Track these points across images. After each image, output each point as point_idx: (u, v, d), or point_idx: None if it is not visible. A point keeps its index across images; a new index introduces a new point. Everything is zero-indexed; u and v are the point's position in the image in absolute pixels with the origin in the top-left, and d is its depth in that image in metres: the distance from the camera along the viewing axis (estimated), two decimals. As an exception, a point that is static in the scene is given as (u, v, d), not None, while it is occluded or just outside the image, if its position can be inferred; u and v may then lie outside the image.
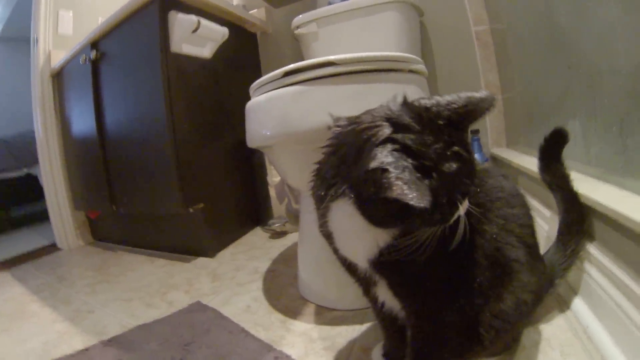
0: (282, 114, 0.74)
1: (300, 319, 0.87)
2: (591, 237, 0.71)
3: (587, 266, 0.70)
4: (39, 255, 1.86)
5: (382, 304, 0.57)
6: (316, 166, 0.52)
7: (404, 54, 0.76)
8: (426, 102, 0.43)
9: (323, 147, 0.50)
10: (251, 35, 1.89)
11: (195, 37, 1.36)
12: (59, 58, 1.84)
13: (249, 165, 1.72)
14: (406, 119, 0.41)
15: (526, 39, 1.19)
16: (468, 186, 0.43)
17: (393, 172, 0.36)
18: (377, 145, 0.39)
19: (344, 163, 0.45)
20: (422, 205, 0.35)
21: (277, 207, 1.68)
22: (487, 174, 0.58)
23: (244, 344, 0.79)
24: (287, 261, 1.26)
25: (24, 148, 2.56)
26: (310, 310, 0.90)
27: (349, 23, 1.42)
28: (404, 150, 0.39)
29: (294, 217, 1.61)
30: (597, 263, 0.66)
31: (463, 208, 0.44)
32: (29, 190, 2.22)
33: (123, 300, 1.13)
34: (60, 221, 1.95)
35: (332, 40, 1.46)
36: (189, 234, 1.49)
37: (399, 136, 0.39)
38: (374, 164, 0.38)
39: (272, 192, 1.68)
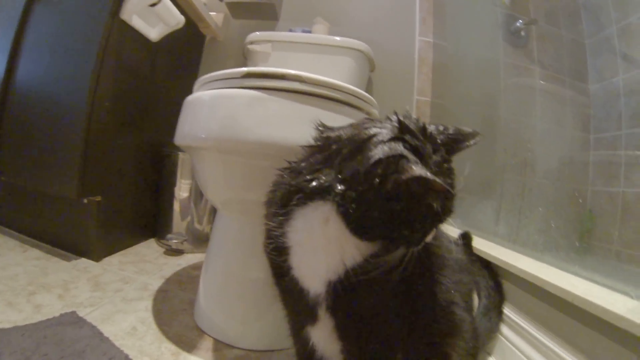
0: (230, 117, 0.66)
1: (196, 354, 0.76)
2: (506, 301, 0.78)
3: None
4: None
5: (312, 349, 0.51)
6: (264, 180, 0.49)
7: (369, 96, 0.75)
8: (421, 122, 0.44)
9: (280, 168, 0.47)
10: (200, 36, 1.79)
11: (150, 13, 1.23)
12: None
13: (158, 170, 1.55)
14: (412, 126, 0.41)
15: (464, 119, 1.29)
16: (450, 210, 0.42)
17: (412, 159, 0.36)
18: (387, 142, 0.38)
19: (332, 159, 0.41)
20: (448, 188, 0.35)
21: (179, 223, 1.52)
22: (442, 237, 0.58)
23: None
24: (181, 283, 1.13)
25: None
26: (207, 344, 0.79)
27: (303, 55, 1.42)
28: (413, 151, 0.38)
29: (194, 237, 1.49)
30: (511, 322, 0.74)
31: (431, 235, 0.43)
32: None
33: None
34: None
35: (282, 65, 1.45)
36: (75, 227, 1.26)
37: (407, 137, 0.39)
38: (388, 152, 0.37)
39: (177, 206, 1.52)
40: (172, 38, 1.39)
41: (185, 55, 1.70)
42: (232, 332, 0.81)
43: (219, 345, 0.79)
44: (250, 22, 1.79)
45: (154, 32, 1.30)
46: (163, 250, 1.44)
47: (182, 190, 1.50)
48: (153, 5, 1.19)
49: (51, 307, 0.88)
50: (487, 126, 1.17)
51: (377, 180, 0.36)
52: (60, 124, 1.20)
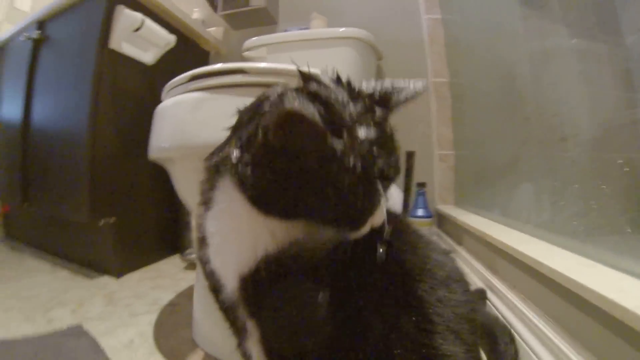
0: (179, 123, 0.66)
1: (179, 367, 0.76)
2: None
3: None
4: None
5: None
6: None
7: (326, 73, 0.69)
8: (346, 78, 0.39)
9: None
10: (203, 52, 1.84)
11: (138, 38, 1.28)
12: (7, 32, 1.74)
13: (172, 187, 1.61)
14: (320, 76, 0.37)
15: (484, 96, 1.19)
16: (391, 170, 0.36)
17: (291, 95, 0.32)
18: (280, 94, 0.34)
19: (237, 130, 0.38)
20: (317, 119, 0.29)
21: None
22: (427, 246, 0.47)
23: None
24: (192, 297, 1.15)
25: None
26: (197, 358, 0.80)
27: (300, 53, 1.39)
28: (312, 98, 0.33)
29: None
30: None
31: (384, 204, 0.36)
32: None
33: (1, 309, 1.01)
34: None
35: None
36: (96, 247, 1.36)
37: (306, 85, 0.35)
38: (276, 101, 0.33)
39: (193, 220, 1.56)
40: (172, 58, 1.45)
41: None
42: (220, 345, 0.79)
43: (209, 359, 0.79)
44: (251, 31, 1.81)
45: (147, 56, 1.35)
46: (185, 265, 1.49)
47: (196, 204, 1.54)
48: (137, 30, 1.24)
49: (61, 321, 0.94)
50: (511, 99, 1.06)
51: (261, 132, 0.32)
52: (69, 153, 1.30)
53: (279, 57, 1.43)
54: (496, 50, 1.13)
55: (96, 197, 1.24)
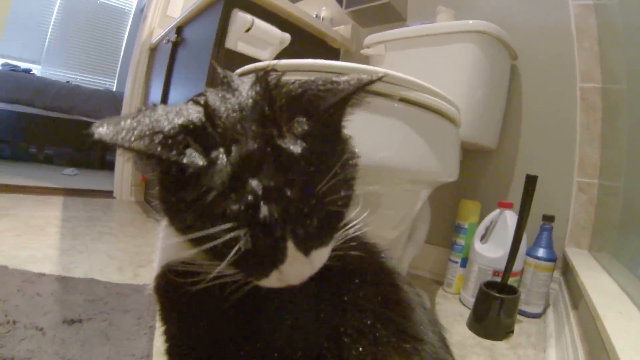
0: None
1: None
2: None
3: None
4: (96, 196, 2.14)
5: None
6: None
7: (388, 71, 0.57)
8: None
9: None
10: (333, 50, 1.86)
11: (252, 38, 1.38)
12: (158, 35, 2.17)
13: None
14: (232, 78, 0.33)
15: None
16: (294, 205, 0.27)
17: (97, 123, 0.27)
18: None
19: None
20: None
21: None
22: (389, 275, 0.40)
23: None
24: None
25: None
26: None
27: (419, 50, 1.29)
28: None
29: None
30: None
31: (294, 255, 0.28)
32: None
33: (108, 256, 1.20)
34: (120, 175, 2.20)
35: (398, 66, 1.35)
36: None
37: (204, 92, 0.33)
38: None
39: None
40: (299, 56, 1.51)
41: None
42: None
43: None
44: (379, 29, 1.74)
45: (265, 54, 1.45)
46: None
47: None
48: (248, 30, 1.33)
49: (144, 277, 1.08)
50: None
51: None
52: None
53: (398, 55, 1.36)
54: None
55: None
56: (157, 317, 0.45)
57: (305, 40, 1.51)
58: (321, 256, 0.31)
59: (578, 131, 1.22)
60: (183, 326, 0.37)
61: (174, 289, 0.35)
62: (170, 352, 0.38)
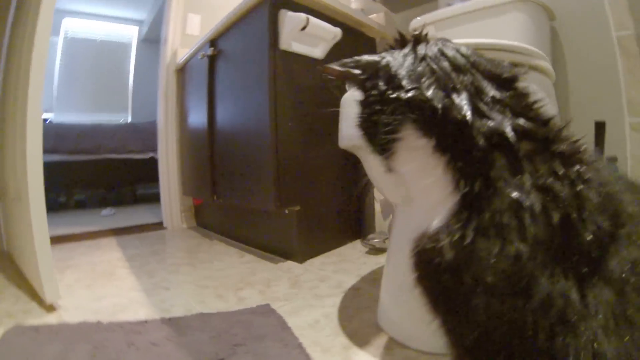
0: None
1: (366, 349, 0.76)
2: None
3: None
4: (145, 230, 2.13)
5: None
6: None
7: (520, 44, 0.65)
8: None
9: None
10: (369, 39, 1.86)
11: (305, 36, 1.38)
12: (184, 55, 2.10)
13: (355, 174, 1.67)
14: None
15: None
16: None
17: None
18: None
19: None
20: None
21: (380, 222, 1.61)
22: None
23: (291, 362, 0.72)
24: (375, 281, 1.16)
25: (152, 134, 2.93)
26: (380, 341, 0.79)
27: (468, 26, 1.33)
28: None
29: (396, 235, 1.53)
30: None
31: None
32: (153, 172, 2.50)
33: (198, 286, 1.18)
34: (168, 203, 2.19)
35: None
36: (281, 235, 1.49)
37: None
38: None
39: (378, 206, 1.61)
40: (340, 50, 1.52)
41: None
42: (406, 332, 0.78)
43: (392, 344, 0.78)
44: (413, 12, 1.77)
45: (317, 51, 1.45)
46: (366, 250, 1.53)
47: (380, 190, 1.61)
48: (303, 28, 1.33)
49: (251, 300, 1.05)
50: None
51: None
52: (253, 150, 1.45)
53: (447, 33, 1.37)
54: None
55: (282, 187, 1.36)
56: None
57: (344, 33, 1.51)
58: None
59: (621, 76, 1.29)
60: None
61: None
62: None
